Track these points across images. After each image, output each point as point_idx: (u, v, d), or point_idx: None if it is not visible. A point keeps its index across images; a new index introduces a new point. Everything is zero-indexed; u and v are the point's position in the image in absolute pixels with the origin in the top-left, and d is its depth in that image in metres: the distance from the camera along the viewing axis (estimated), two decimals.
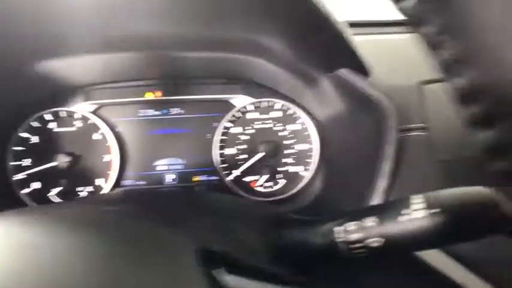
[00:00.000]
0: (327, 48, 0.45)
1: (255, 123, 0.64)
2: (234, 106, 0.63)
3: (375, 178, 0.43)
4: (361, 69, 0.46)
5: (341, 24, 0.42)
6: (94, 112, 0.61)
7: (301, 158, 0.64)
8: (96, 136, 0.61)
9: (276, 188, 0.64)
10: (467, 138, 0.47)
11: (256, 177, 0.64)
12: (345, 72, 0.48)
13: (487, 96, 0.17)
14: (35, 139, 0.59)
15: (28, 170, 0.58)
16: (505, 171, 0.19)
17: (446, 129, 0.48)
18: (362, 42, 0.58)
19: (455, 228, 0.26)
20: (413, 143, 0.46)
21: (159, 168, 0.63)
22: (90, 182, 0.60)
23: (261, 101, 0.64)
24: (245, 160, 0.63)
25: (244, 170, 0.63)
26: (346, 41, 0.43)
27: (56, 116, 0.60)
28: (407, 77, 0.54)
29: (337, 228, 0.30)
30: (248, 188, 0.63)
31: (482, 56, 0.17)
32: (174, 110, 0.64)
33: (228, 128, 0.63)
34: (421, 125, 0.48)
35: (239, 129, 0.64)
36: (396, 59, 0.58)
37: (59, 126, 0.60)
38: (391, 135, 0.43)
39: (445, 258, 0.37)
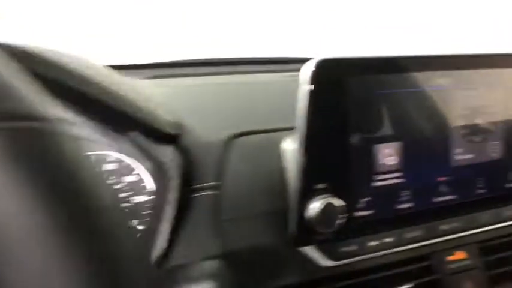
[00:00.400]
0: (104, 114, 0.44)
1: None
2: None
3: (156, 241, 0.42)
4: (151, 130, 0.45)
5: (115, 88, 0.41)
6: None
7: (137, 211, 0.61)
8: None
9: None
10: (258, 195, 0.48)
11: None
12: (132, 135, 0.46)
13: None
14: None
15: None
16: None
17: (239, 186, 0.48)
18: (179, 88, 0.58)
19: None
20: (201, 203, 0.46)
21: None
22: None
23: (90, 154, 0.60)
24: None
25: None
26: (121, 105, 0.41)
27: None
28: (222, 128, 0.54)
29: None
30: None
31: None
32: None
33: None
34: (213, 183, 0.48)
35: None
36: (214, 109, 0.59)
37: None
38: (171, 196, 0.43)
39: None
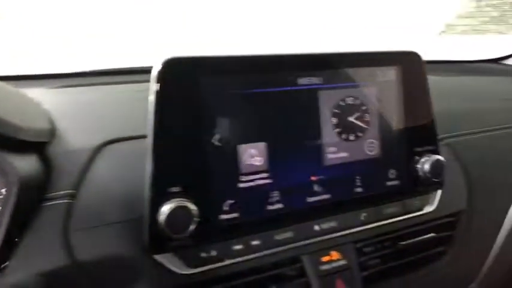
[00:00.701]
0: None
1: None
2: None
3: None
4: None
5: None
6: None
7: None
8: None
9: None
10: (120, 203, 0.45)
11: None
12: None
13: None
14: None
15: None
16: None
17: (99, 194, 0.46)
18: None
19: None
20: (51, 212, 0.43)
21: None
22: None
23: None
24: None
25: None
26: None
27: None
28: (94, 135, 0.52)
29: None
30: None
31: None
32: None
33: None
34: (69, 191, 0.45)
35: None
36: (92, 117, 0.57)
37: None
38: (9, 204, 0.40)
39: None
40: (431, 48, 1.25)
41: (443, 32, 0.93)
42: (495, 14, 0.96)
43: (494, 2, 0.93)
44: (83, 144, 0.52)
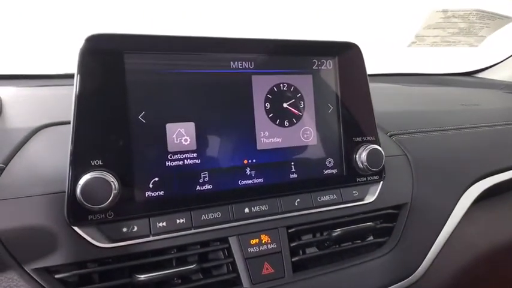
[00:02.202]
0: None
1: None
2: None
3: None
4: None
5: None
6: None
7: None
8: None
9: None
10: (41, 178, 0.46)
11: None
12: None
13: None
14: None
15: None
16: None
17: (28, 170, 0.47)
18: None
19: None
20: None
21: None
22: None
23: None
24: None
25: None
26: None
27: None
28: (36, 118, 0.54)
29: None
30: None
31: None
32: None
33: None
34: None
35: None
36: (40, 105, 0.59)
37: None
38: None
39: None
40: (405, 59, 1.28)
41: (413, 43, 0.94)
42: (463, 25, 0.97)
43: (462, 13, 0.94)
44: (22, 125, 0.54)
